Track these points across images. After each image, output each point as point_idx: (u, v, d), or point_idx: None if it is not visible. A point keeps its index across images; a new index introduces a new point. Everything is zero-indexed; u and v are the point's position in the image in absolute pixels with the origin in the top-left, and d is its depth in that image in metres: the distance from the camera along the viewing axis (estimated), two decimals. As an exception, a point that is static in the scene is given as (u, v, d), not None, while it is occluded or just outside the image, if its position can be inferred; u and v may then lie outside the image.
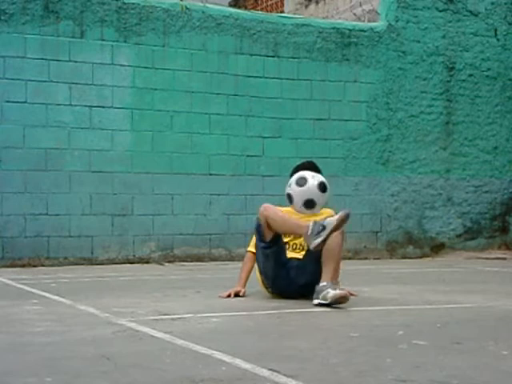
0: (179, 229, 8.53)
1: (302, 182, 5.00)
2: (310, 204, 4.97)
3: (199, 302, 4.75)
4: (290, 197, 5.05)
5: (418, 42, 9.70)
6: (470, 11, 9.98)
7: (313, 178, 5.00)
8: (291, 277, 4.80)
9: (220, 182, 8.70)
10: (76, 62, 8.12)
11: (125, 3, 8.34)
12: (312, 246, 4.52)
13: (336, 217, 4.52)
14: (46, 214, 7.97)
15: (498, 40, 10.12)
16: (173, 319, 3.99)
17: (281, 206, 5.05)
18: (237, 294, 4.96)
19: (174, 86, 8.53)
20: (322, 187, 4.97)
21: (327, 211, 5.03)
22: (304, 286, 4.74)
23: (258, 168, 8.90)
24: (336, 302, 4.42)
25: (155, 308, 4.43)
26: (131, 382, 2.55)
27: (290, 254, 4.87)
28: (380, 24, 9.59)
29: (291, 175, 5.18)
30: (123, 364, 2.83)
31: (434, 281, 6.48)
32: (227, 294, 4.97)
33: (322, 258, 4.60)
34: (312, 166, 5.20)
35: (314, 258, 4.65)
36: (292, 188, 5.03)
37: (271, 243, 4.78)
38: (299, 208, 4.99)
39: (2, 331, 3.64)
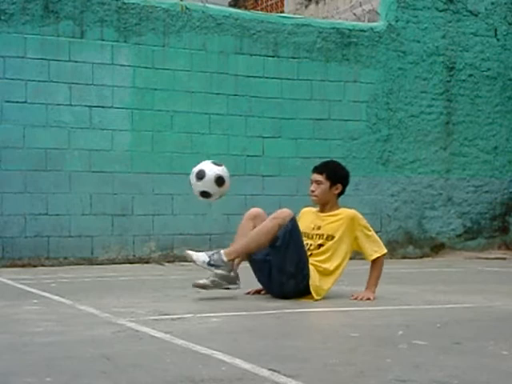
0: (179, 229, 8.52)
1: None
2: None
3: (199, 302, 4.75)
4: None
5: (418, 42, 9.69)
6: (470, 11, 9.97)
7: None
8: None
9: (220, 181, 8.68)
10: (76, 62, 8.12)
11: (125, 3, 8.34)
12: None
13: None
14: (46, 214, 7.97)
15: (497, 40, 10.12)
16: (173, 319, 3.99)
17: (282, 206, 5.04)
18: None
19: (174, 85, 8.53)
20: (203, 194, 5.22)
21: (344, 211, 5.09)
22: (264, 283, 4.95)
23: (258, 168, 8.90)
24: None
25: (155, 308, 4.43)
26: (131, 382, 2.55)
27: None
28: (380, 24, 9.59)
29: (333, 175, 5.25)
30: (123, 364, 2.83)
31: (434, 281, 6.48)
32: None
33: None
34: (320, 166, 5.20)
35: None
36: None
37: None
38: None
39: (1, 331, 3.64)
